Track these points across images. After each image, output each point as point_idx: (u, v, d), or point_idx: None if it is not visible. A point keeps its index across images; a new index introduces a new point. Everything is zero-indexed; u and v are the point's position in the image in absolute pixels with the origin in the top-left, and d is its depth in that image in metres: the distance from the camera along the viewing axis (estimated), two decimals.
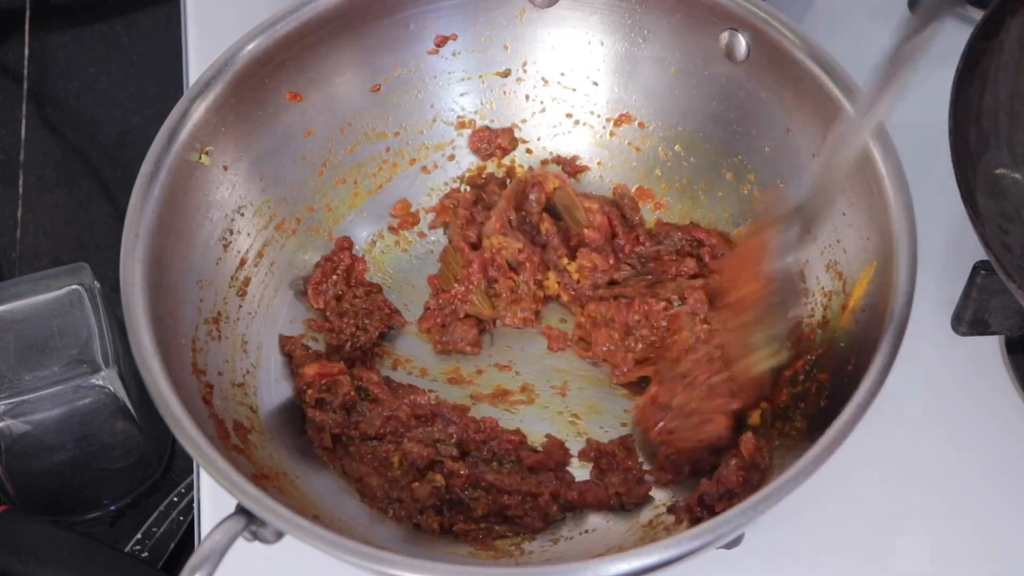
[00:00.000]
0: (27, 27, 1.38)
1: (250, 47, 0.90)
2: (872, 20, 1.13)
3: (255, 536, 0.75)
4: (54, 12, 1.40)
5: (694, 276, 0.94)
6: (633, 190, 1.00)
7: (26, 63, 1.36)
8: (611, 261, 0.95)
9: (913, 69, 0.75)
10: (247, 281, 0.93)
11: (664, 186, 1.00)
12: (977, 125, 0.90)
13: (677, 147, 0.99)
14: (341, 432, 0.89)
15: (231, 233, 0.92)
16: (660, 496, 0.87)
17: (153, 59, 1.36)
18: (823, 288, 0.90)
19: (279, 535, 0.75)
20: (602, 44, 0.99)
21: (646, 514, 0.86)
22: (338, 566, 0.75)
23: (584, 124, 1.01)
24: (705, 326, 0.91)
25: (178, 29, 1.16)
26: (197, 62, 1.11)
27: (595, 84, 1.00)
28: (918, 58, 0.75)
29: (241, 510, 0.74)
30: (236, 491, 0.74)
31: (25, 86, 1.35)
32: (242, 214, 0.93)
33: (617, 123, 1.00)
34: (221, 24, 1.11)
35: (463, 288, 0.95)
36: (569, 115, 1.01)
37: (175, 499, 1.05)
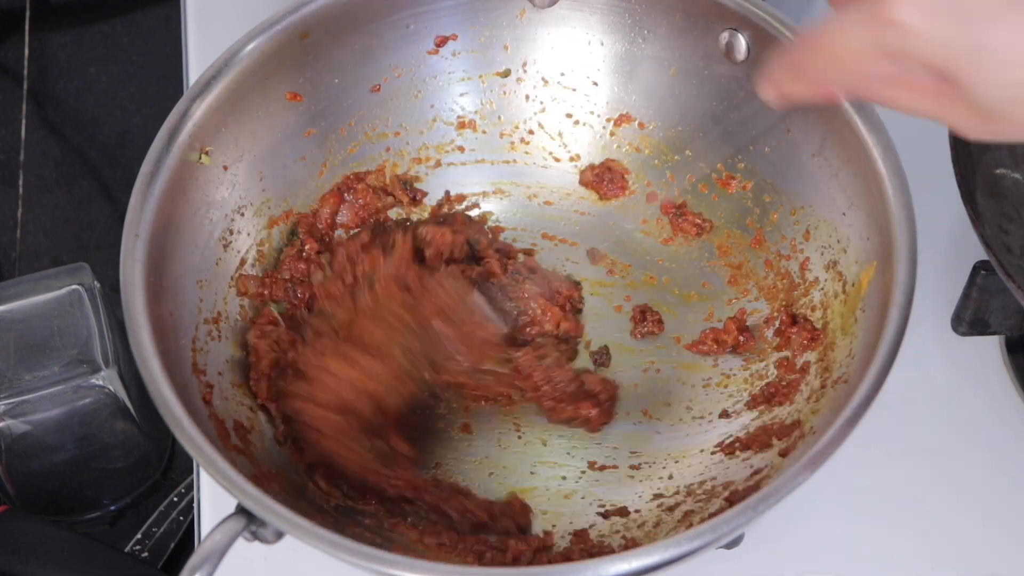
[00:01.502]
0: (27, 27, 1.38)
1: (250, 47, 0.90)
2: None
3: (255, 536, 0.74)
4: (54, 12, 1.40)
5: None
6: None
7: (26, 63, 1.36)
8: None
9: None
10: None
11: (664, 186, 1.00)
12: None
13: (677, 147, 0.99)
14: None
15: (231, 233, 0.92)
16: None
17: (153, 59, 1.36)
18: (823, 288, 0.90)
19: (279, 535, 0.75)
20: (602, 44, 0.99)
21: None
22: (338, 566, 0.75)
23: (584, 124, 1.01)
24: None
25: (178, 29, 1.16)
26: (197, 62, 1.11)
27: (595, 84, 1.00)
28: None
29: (241, 510, 0.74)
30: (236, 491, 0.74)
31: (25, 86, 1.35)
32: (242, 214, 0.93)
33: (617, 123, 1.00)
34: (221, 24, 1.11)
35: None
36: (569, 115, 1.01)
37: (175, 499, 1.05)
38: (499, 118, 1.01)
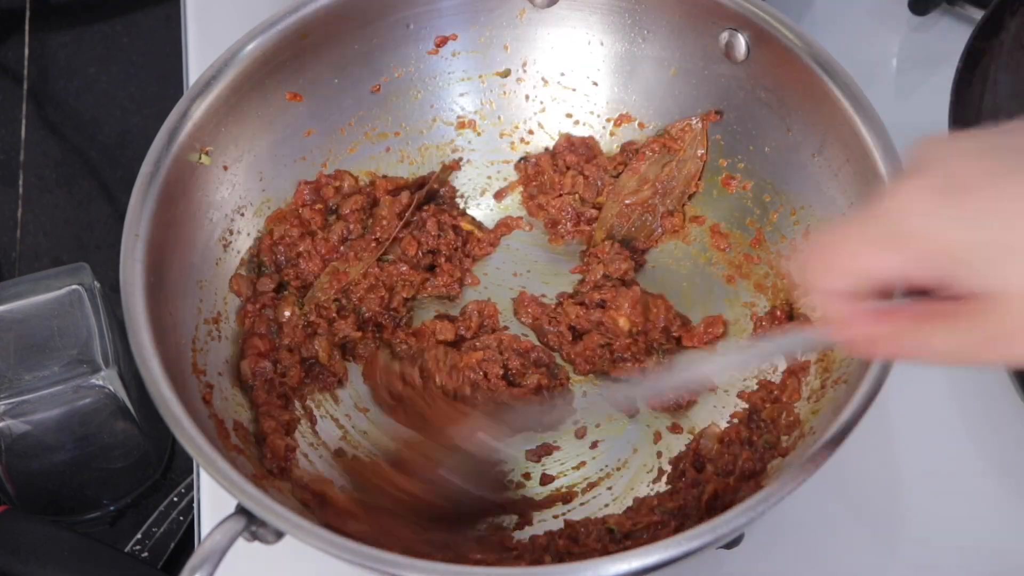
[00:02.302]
0: (27, 27, 1.38)
1: (250, 47, 0.90)
2: (871, 20, 1.13)
3: (255, 536, 0.74)
4: (54, 12, 1.40)
5: None
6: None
7: (26, 63, 1.36)
8: None
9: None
10: None
11: None
12: (977, 125, 0.91)
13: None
14: None
15: (231, 233, 0.92)
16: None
17: (153, 59, 1.36)
18: None
19: (279, 535, 0.75)
20: (602, 44, 0.99)
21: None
22: (338, 566, 0.75)
23: (584, 124, 1.01)
24: None
25: (178, 29, 1.16)
26: (197, 62, 1.11)
27: (595, 84, 1.00)
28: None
29: (241, 510, 0.74)
30: (236, 491, 0.74)
31: (25, 86, 1.35)
32: (242, 214, 0.93)
33: (617, 123, 1.00)
34: (221, 24, 1.11)
35: None
36: (569, 115, 1.01)
37: (175, 499, 1.05)
38: (499, 118, 1.01)
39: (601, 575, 0.71)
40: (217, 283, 0.91)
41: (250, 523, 0.74)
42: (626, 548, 0.81)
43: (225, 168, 0.91)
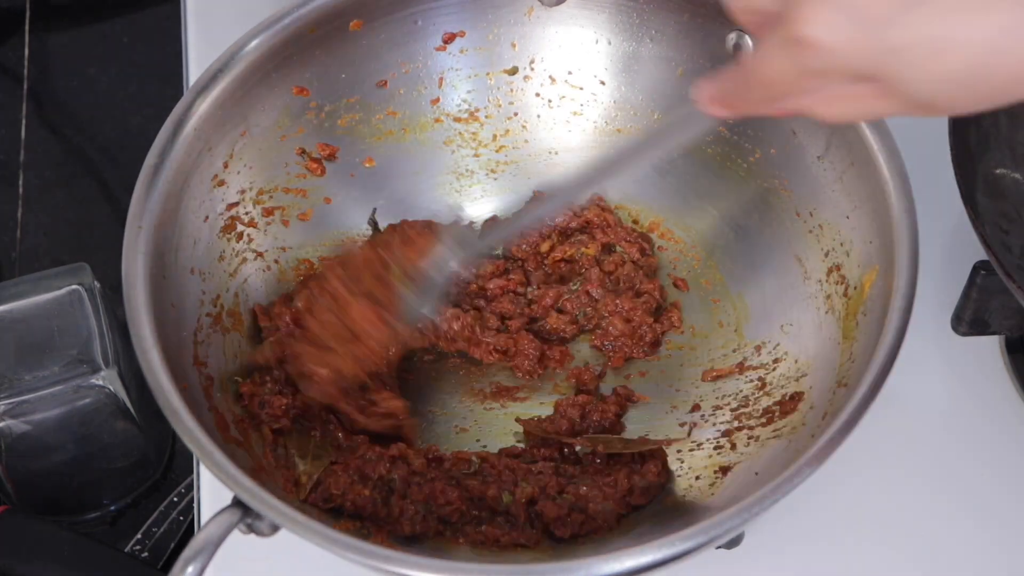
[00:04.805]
0: (27, 27, 1.38)
1: (257, 40, 0.90)
2: None
3: (250, 529, 0.74)
4: (54, 12, 1.40)
5: None
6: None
7: (26, 63, 1.36)
8: None
9: None
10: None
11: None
12: (977, 125, 0.91)
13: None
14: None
15: (234, 226, 0.92)
16: None
17: (153, 59, 1.36)
18: (825, 292, 0.90)
19: (275, 528, 0.74)
20: (609, 43, 0.99)
21: None
22: (337, 562, 0.75)
23: (591, 123, 1.01)
24: None
25: (178, 29, 1.16)
26: (197, 62, 1.11)
27: (602, 83, 1.00)
28: None
29: (237, 502, 0.74)
30: (231, 483, 0.74)
31: (25, 86, 1.35)
32: (245, 208, 0.93)
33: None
34: (221, 24, 1.11)
35: None
36: (576, 113, 1.01)
37: (175, 499, 1.05)
38: (505, 115, 1.01)
39: (594, 574, 0.71)
40: (219, 276, 0.90)
41: (246, 515, 0.74)
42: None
43: (228, 162, 0.91)
